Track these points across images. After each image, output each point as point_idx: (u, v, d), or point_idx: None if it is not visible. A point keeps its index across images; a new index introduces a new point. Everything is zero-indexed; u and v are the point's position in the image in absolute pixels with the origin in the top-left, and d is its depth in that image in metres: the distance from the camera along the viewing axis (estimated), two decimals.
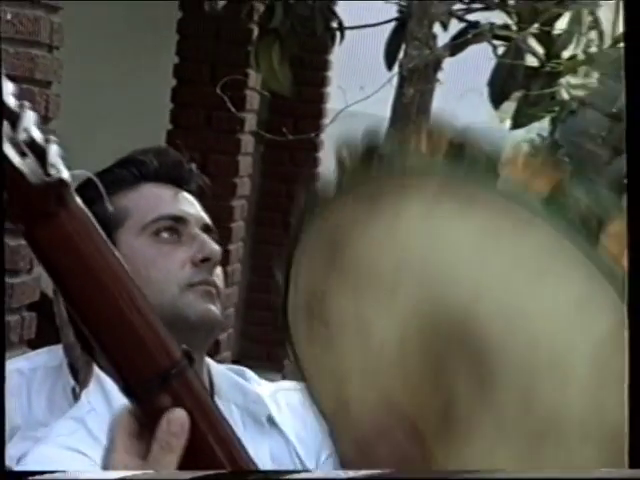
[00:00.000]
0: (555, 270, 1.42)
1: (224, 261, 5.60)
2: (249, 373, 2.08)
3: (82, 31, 4.44)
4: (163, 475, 1.17)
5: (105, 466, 1.19)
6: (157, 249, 1.98)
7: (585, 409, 1.42)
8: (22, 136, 1.06)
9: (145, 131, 5.44)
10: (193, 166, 2.13)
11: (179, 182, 2.06)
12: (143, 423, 1.17)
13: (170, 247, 1.99)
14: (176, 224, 2.00)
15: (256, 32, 5.57)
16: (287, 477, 1.31)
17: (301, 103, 6.51)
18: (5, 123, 1.06)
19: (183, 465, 1.16)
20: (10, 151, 1.06)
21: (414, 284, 1.45)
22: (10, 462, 2.06)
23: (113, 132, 5.44)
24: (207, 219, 2.05)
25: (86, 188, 1.69)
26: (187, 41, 5.76)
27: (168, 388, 1.15)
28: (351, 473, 1.36)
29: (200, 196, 2.09)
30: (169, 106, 5.84)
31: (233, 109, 5.55)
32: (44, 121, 3.73)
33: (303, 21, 5.35)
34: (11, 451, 2.01)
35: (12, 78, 3.65)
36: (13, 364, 2.65)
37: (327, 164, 7.09)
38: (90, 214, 1.13)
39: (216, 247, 2.00)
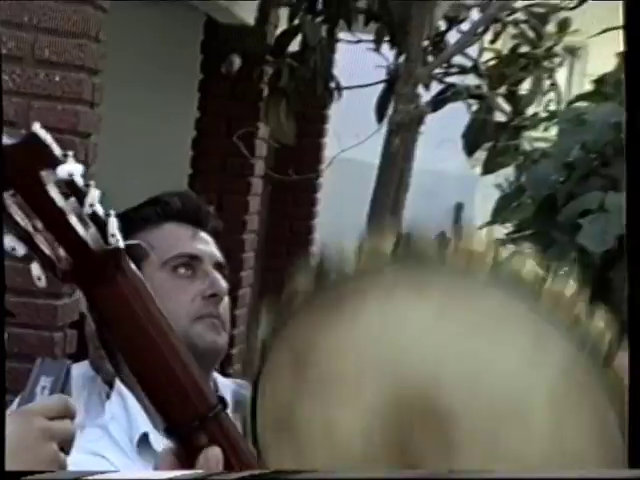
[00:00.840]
0: (504, 330, 1.39)
1: (237, 286, 5.58)
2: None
3: (118, 90, 4.46)
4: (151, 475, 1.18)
5: None
6: (174, 283, 1.97)
7: (546, 445, 1.38)
8: (87, 210, 1.07)
9: (169, 175, 5.47)
10: (211, 209, 2.12)
11: (198, 223, 2.05)
12: (183, 461, 1.16)
13: (185, 282, 1.97)
14: (192, 261, 1.99)
15: (266, 91, 5.59)
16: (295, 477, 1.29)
17: (303, 151, 6.52)
18: (73, 199, 1.06)
19: None
20: (76, 223, 1.07)
21: (377, 374, 1.40)
22: None
23: (142, 176, 5.45)
24: (219, 257, 2.04)
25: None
26: (206, 98, 5.78)
27: (205, 429, 1.15)
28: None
29: (215, 236, 2.08)
30: (190, 154, 5.86)
31: (247, 154, 5.57)
32: (85, 166, 3.74)
33: (306, 82, 5.37)
34: None
35: (58, 130, 3.67)
36: None
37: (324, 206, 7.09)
38: (142, 277, 1.13)
39: (224, 284, 1.99)
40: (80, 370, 2.87)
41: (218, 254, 2.04)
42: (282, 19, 5.69)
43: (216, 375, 2.03)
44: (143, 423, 1.88)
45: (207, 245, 2.04)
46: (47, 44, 3.65)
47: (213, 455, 1.16)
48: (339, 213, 6.99)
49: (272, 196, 6.92)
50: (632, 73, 1.27)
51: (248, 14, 5.61)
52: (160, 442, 1.84)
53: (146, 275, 1.92)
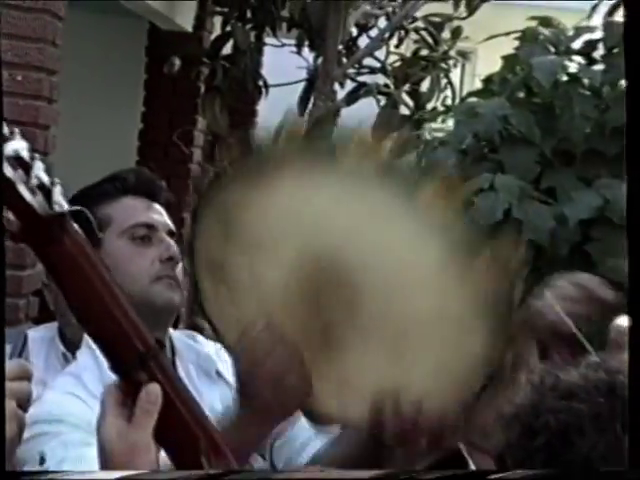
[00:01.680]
0: (391, 216, 1.42)
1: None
2: (198, 336, 2.05)
3: (73, 88, 4.41)
4: (160, 475, 1.17)
5: (98, 427, 1.19)
6: (133, 249, 1.95)
7: (428, 308, 1.41)
8: (34, 180, 1.08)
9: (118, 163, 5.40)
10: (163, 183, 2.09)
11: (152, 196, 2.02)
12: (127, 394, 1.17)
13: (143, 248, 1.95)
14: (148, 230, 1.96)
15: (202, 89, 5.55)
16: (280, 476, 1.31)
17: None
18: (20, 170, 1.07)
19: (159, 428, 1.15)
20: (24, 191, 1.07)
21: (293, 241, 1.43)
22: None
23: (94, 163, 5.38)
24: (172, 226, 2.02)
25: (80, 202, 1.65)
26: (151, 95, 5.73)
27: (145, 367, 1.16)
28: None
29: (167, 207, 2.05)
30: (136, 144, 5.81)
31: (185, 149, 5.54)
32: (43, 155, 3.70)
33: (238, 81, 5.35)
34: None
35: (20, 123, 3.61)
36: None
37: None
38: (85, 237, 1.13)
39: (177, 251, 1.97)
40: (40, 333, 2.83)
41: (170, 223, 2.02)
42: (216, 26, 5.66)
43: (170, 331, 2.01)
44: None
45: (161, 215, 2.01)
46: (10, 47, 3.59)
47: (152, 390, 1.16)
48: None
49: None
50: (632, 74, 1.24)
51: (186, 21, 5.56)
52: None
53: (108, 242, 1.91)
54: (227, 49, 5.46)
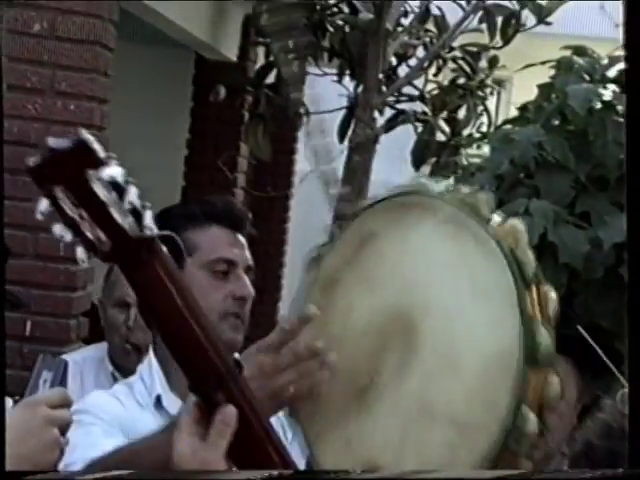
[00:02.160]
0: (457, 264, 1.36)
1: None
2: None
3: (123, 116, 4.46)
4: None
5: (169, 440, 1.18)
6: (210, 282, 1.93)
7: (466, 402, 1.34)
8: (126, 204, 1.09)
9: (166, 188, 5.45)
10: (249, 216, 2.06)
11: (237, 227, 1.99)
12: (204, 414, 1.16)
13: (220, 282, 1.93)
14: (228, 266, 1.94)
15: (246, 116, 5.59)
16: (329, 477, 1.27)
17: (277, 166, 6.52)
18: (114, 193, 1.08)
19: (235, 448, 1.14)
20: (115, 213, 1.08)
21: (390, 287, 1.40)
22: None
23: (143, 189, 5.43)
24: (250, 262, 1.99)
25: (167, 220, 1.61)
26: (196, 123, 5.77)
27: (224, 388, 1.15)
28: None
29: (249, 241, 2.03)
30: (182, 169, 5.85)
31: (229, 174, 5.57)
32: None
33: (280, 109, 5.38)
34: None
35: None
36: (70, 356, 2.64)
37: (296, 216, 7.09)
38: (172, 260, 1.14)
39: (252, 290, 1.95)
40: (90, 352, 2.85)
41: (249, 259, 2.00)
42: (259, 56, 5.70)
43: None
44: (159, 387, 1.88)
45: (242, 250, 1.99)
46: (63, 78, 3.64)
47: (228, 412, 1.15)
48: (309, 218, 6.99)
49: (252, 204, 6.92)
50: (632, 81, 1.22)
51: (231, 52, 5.61)
52: (172, 403, 1.84)
53: (188, 271, 1.89)
54: (271, 78, 5.50)
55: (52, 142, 1.08)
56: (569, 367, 2.10)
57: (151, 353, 1.97)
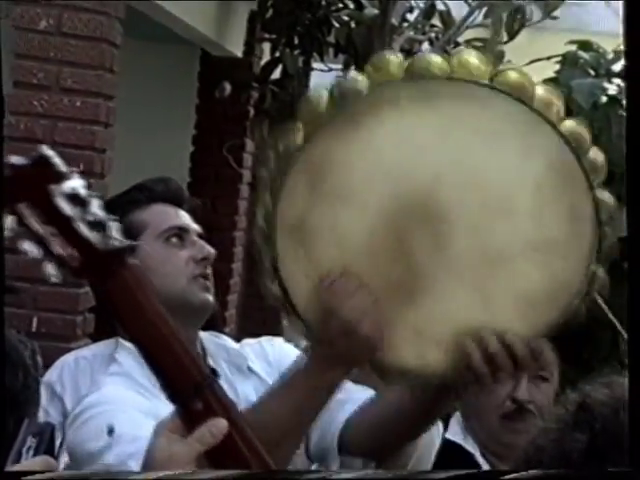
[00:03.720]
0: (499, 131, 1.36)
1: (229, 275, 5.48)
2: (223, 335, 2.05)
3: (129, 112, 4.46)
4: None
5: (149, 449, 1.17)
6: (168, 251, 1.97)
7: (528, 231, 1.35)
8: (90, 217, 1.09)
9: None
10: (186, 191, 2.12)
11: (178, 203, 2.04)
12: (184, 424, 1.15)
13: (177, 249, 1.97)
14: (181, 232, 1.99)
15: (252, 112, 5.59)
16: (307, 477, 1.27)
17: None
18: (78, 207, 1.08)
19: (212, 451, 1.13)
20: (82, 227, 1.09)
21: (384, 182, 1.39)
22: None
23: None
24: (200, 230, 2.03)
25: (112, 210, 1.63)
26: (202, 119, 5.78)
27: (201, 396, 1.15)
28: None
29: (193, 214, 2.07)
30: (188, 165, 5.86)
31: (235, 166, 5.57)
32: (100, 178, 3.74)
33: (286, 104, 5.38)
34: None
35: (79, 147, 3.63)
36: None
37: None
38: (141, 269, 1.14)
39: (211, 249, 1.98)
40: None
41: (198, 227, 2.04)
42: (265, 52, 5.70)
43: (200, 332, 2.01)
44: None
45: (189, 220, 2.04)
46: (69, 75, 3.65)
47: (219, 424, 1.14)
48: None
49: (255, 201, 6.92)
50: (632, 81, 1.24)
51: (236, 48, 5.62)
52: None
53: (144, 248, 1.91)
54: (276, 74, 5.50)
55: (13, 159, 1.09)
56: (553, 354, 2.13)
57: (124, 342, 1.94)
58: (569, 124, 1.39)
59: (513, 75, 1.38)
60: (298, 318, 1.48)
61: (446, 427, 2.16)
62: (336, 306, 1.42)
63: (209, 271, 1.98)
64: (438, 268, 1.38)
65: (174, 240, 1.98)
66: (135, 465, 1.58)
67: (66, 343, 3.61)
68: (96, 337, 3.56)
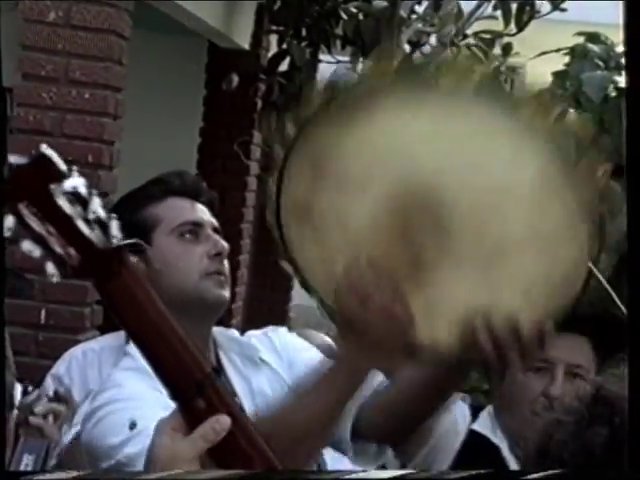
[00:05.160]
0: (491, 135, 1.39)
1: (236, 267, 5.49)
2: (232, 330, 2.04)
3: (137, 104, 4.46)
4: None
5: (152, 447, 1.16)
6: (182, 246, 1.95)
7: (524, 226, 1.38)
8: (91, 215, 1.08)
9: None
10: (204, 184, 2.09)
11: (195, 196, 2.03)
12: (186, 422, 1.14)
13: (191, 244, 1.95)
14: (195, 227, 1.97)
15: (259, 104, 5.59)
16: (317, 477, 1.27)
17: None
18: (78, 206, 1.08)
19: (215, 449, 1.13)
20: (83, 226, 1.08)
21: (384, 173, 1.40)
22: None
23: (156, 175, 5.45)
24: (216, 223, 2.02)
25: (128, 205, 1.62)
26: (210, 111, 5.77)
27: (203, 394, 1.14)
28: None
29: (210, 206, 2.05)
30: (196, 157, 5.86)
31: (244, 158, 5.56)
32: (109, 169, 3.74)
33: (293, 96, 5.37)
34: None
35: (87, 139, 3.62)
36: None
37: None
38: (140, 269, 1.12)
39: (225, 244, 1.98)
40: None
41: (215, 221, 2.03)
42: (272, 44, 5.69)
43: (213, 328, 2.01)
44: None
45: (205, 214, 2.02)
46: (78, 67, 3.65)
47: (223, 421, 1.13)
48: None
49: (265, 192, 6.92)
50: (632, 81, 1.24)
51: (244, 39, 5.61)
52: None
53: (158, 241, 1.93)
54: (283, 66, 5.50)
55: (13, 159, 1.08)
56: (588, 346, 2.12)
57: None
58: (561, 131, 1.41)
59: (500, 81, 1.43)
60: (321, 304, 1.48)
61: (474, 419, 2.15)
62: (370, 293, 1.42)
63: (225, 266, 1.97)
64: (442, 255, 1.40)
65: (188, 236, 1.96)
66: None
67: (74, 335, 3.61)
68: (104, 329, 3.57)
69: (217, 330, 2.01)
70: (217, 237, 1.98)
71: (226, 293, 1.94)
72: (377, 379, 1.75)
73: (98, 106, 3.64)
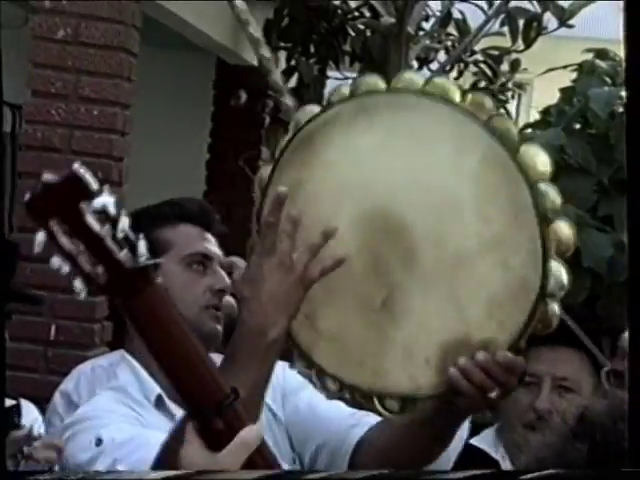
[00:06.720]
0: (431, 135, 1.40)
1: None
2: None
3: (145, 121, 4.48)
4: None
5: (173, 451, 1.17)
6: (188, 276, 1.96)
7: (478, 230, 1.38)
8: (120, 235, 1.10)
9: (187, 191, 5.45)
10: (217, 216, 2.10)
11: (207, 226, 2.03)
12: (203, 439, 1.15)
13: (198, 276, 1.96)
14: (204, 259, 1.98)
15: (267, 120, 5.60)
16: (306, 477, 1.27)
17: None
18: (107, 225, 1.09)
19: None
20: (111, 245, 1.09)
21: (348, 203, 1.43)
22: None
23: (164, 191, 5.45)
24: (223, 258, 2.03)
25: (141, 222, 1.65)
26: (218, 127, 5.79)
27: (222, 415, 1.15)
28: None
29: (220, 239, 2.07)
30: (204, 173, 5.87)
31: (251, 174, 5.57)
32: (118, 186, 3.75)
33: None
34: None
35: (96, 155, 3.63)
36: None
37: None
38: (165, 288, 1.15)
39: (228, 282, 1.98)
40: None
41: (222, 254, 2.04)
42: (281, 60, 5.71)
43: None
44: (156, 386, 1.88)
45: (215, 246, 2.03)
46: (87, 84, 3.67)
47: (255, 430, 1.15)
48: None
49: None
50: (632, 85, 1.24)
51: (252, 56, 5.63)
52: (171, 402, 1.84)
53: (166, 268, 1.91)
54: (292, 82, 5.52)
55: (45, 176, 1.09)
56: (585, 362, 2.12)
57: (126, 355, 1.96)
58: (498, 120, 1.41)
59: (439, 81, 1.43)
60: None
61: (473, 434, 2.14)
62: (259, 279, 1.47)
63: (223, 302, 1.98)
64: (412, 283, 1.40)
65: (195, 266, 1.97)
66: (123, 469, 1.62)
67: (84, 351, 3.62)
68: (114, 346, 3.57)
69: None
70: (223, 273, 1.99)
71: (220, 327, 1.95)
72: (376, 418, 1.72)
73: (107, 123, 3.66)
